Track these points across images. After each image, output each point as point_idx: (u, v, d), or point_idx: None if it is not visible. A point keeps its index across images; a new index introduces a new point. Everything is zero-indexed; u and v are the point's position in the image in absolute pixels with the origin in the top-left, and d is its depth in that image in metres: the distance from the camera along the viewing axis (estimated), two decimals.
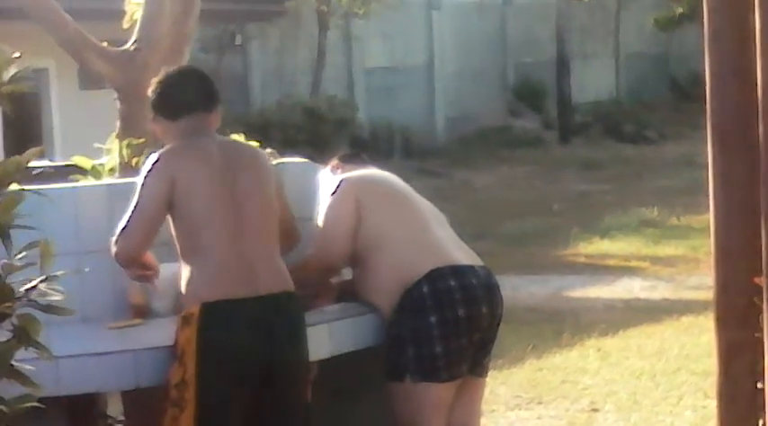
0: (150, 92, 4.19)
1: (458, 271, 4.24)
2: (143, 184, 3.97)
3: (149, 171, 3.98)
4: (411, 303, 4.20)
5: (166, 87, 4.14)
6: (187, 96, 4.11)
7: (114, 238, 3.99)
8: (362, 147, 19.15)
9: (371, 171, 4.59)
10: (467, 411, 4.41)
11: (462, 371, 4.26)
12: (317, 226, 4.40)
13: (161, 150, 4.07)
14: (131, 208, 3.96)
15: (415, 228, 4.38)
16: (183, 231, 3.94)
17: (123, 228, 3.96)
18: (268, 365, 3.86)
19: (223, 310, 3.84)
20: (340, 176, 4.49)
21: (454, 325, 4.19)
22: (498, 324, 4.37)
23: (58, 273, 2.76)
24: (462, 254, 4.36)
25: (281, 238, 4.11)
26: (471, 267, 4.31)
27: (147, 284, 4.20)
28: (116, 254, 3.99)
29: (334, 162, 4.65)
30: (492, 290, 4.33)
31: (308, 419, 4.02)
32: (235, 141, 4.36)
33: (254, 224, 3.96)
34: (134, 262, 4.04)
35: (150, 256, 4.09)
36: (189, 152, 4.02)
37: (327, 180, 4.53)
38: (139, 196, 3.96)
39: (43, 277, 2.72)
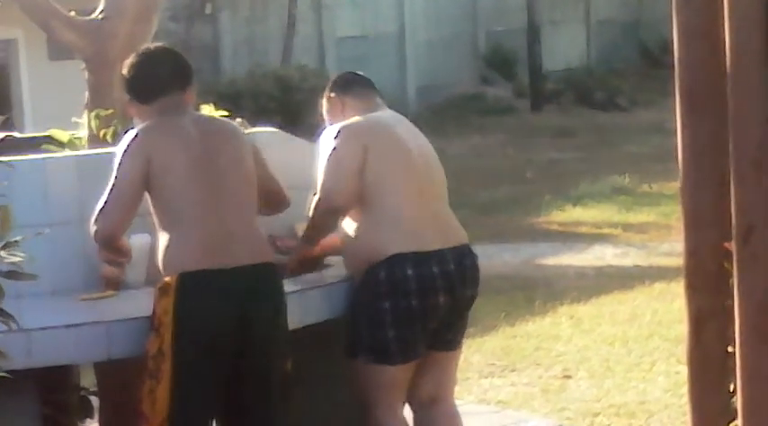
0: (124, 73, 4.17)
1: (419, 259, 4.20)
2: (119, 163, 3.95)
3: (125, 150, 3.97)
4: (368, 284, 4.21)
5: (139, 70, 4.13)
6: (161, 79, 4.09)
7: (93, 218, 3.96)
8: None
9: (379, 115, 4.48)
10: (435, 383, 4.41)
11: (418, 353, 4.28)
12: (323, 168, 4.30)
13: (136, 128, 4.06)
14: (108, 187, 3.94)
15: (402, 196, 4.29)
16: (160, 204, 3.93)
17: (101, 208, 3.93)
18: (244, 336, 3.86)
19: (199, 281, 3.83)
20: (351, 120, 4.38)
21: (407, 313, 4.19)
22: (467, 305, 4.36)
23: (18, 239, 2.74)
24: (434, 235, 4.28)
25: (269, 204, 4.19)
26: (438, 252, 4.24)
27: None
28: (95, 234, 3.97)
29: (330, 94, 4.55)
30: (459, 275, 4.27)
31: (287, 391, 4.01)
32: (209, 116, 4.39)
33: (232, 196, 3.97)
34: (112, 242, 4.02)
35: (125, 241, 4.07)
36: (164, 128, 4.03)
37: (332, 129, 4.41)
38: (116, 175, 3.94)
39: (3, 242, 2.70)
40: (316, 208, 4.31)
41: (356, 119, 4.42)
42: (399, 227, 4.25)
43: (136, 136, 3.99)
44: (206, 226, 3.90)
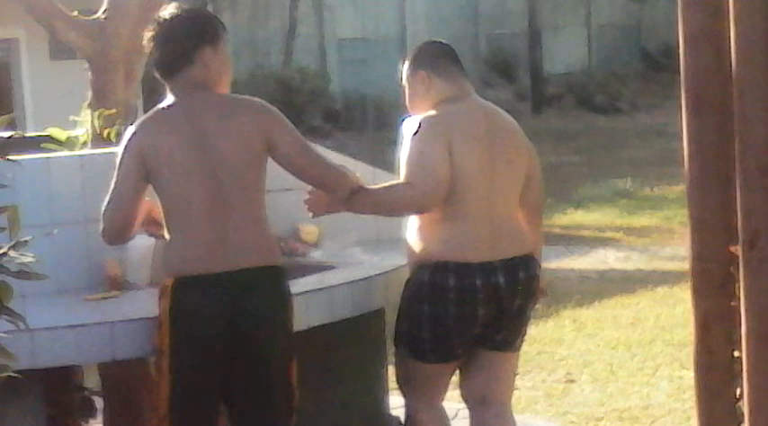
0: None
1: (462, 270, 4.12)
2: (119, 163, 3.90)
3: (123, 148, 3.91)
4: (414, 284, 4.22)
5: (156, 44, 3.97)
6: (170, 54, 3.92)
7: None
8: (336, 117, 19.13)
9: (467, 109, 4.26)
10: (484, 383, 4.35)
11: (456, 355, 4.25)
12: (411, 158, 4.11)
13: (135, 123, 4.01)
14: (111, 187, 3.90)
15: (466, 202, 4.15)
16: (161, 203, 3.89)
17: (105, 209, 3.89)
18: (238, 341, 3.81)
19: (194, 284, 3.79)
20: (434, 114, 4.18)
21: (443, 319, 4.17)
22: (518, 314, 4.25)
23: (27, 239, 2.73)
24: (486, 245, 4.16)
25: (315, 183, 4.03)
26: (486, 263, 4.14)
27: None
28: (102, 233, 3.92)
29: (421, 73, 4.25)
30: (509, 287, 4.17)
31: (291, 401, 3.92)
32: (225, 99, 3.99)
33: (232, 194, 3.85)
34: (119, 241, 3.97)
35: (157, 212, 3.94)
36: (161, 123, 3.91)
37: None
38: (116, 174, 3.90)
39: (12, 242, 2.70)
40: (404, 197, 4.10)
41: (444, 112, 4.20)
42: (457, 235, 4.15)
43: (133, 133, 3.91)
44: (205, 228, 3.82)
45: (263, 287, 3.86)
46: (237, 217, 3.84)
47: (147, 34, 4.01)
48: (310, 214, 4.24)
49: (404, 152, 4.16)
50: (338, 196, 4.10)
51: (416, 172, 4.10)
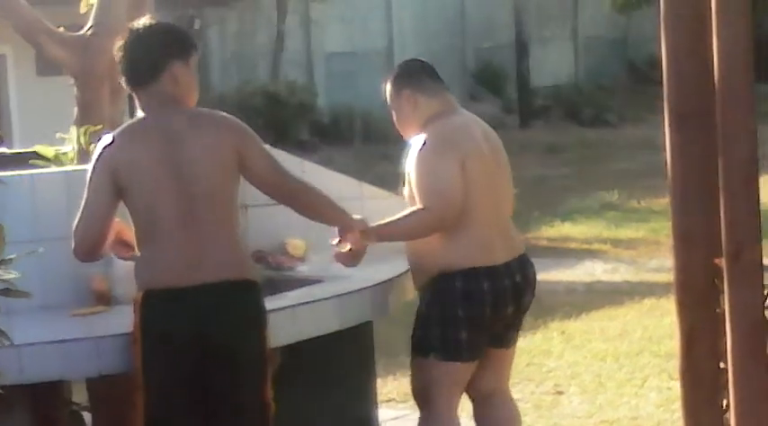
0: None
1: (493, 273, 4.40)
2: (89, 177, 3.88)
3: (93, 163, 3.89)
4: (444, 291, 4.38)
5: (124, 52, 3.94)
6: (138, 63, 3.90)
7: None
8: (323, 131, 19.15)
9: (465, 123, 4.46)
10: (495, 377, 4.66)
11: (482, 352, 4.50)
12: (425, 180, 4.30)
13: (105, 137, 3.96)
14: (82, 203, 3.89)
15: (480, 210, 4.38)
16: (133, 218, 3.88)
17: (76, 226, 3.88)
18: (207, 357, 3.77)
19: (162, 298, 3.78)
20: (440, 131, 4.33)
21: (480, 320, 4.41)
22: (526, 309, 4.60)
23: (12, 257, 2.73)
24: (503, 247, 4.46)
25: (287, 201, 4.03)
26: (507, 264, 4.44)
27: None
28: (73, 251, 3.92)
29: (405, 93, 4.39)
30: (524, 284, 4.50)
31: (265, 417, 3.87)
32: (193, 114, 3.97)
33: (204, 209, 3.81)
34: (90, 257, 3.96)
35: (128, 234, 3.95)
36: (131, 137, 3.87)
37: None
38: (87, 190, 3.88)
39: None
40: (422, 224, 4.32)
41: (449, 127, 4.39)
42: (476, 241, 4.38)
43: (103, 148, 3.87)
44: (175, 243, 3.79)
45: (233, 302, 3.82)
46: (208, 233, 3.81)
47: (117, 43, 3.98)
48: (344, 266, 4.37)
49: (416, 172, 4.34)
50: (357, 239, 4.21)
51: (432, 196, 4.31)
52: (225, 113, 4.01)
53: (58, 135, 5.27)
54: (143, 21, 4.01)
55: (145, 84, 3.90)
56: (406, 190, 4.48)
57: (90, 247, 3.90)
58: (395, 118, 4.51)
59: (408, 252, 4.52)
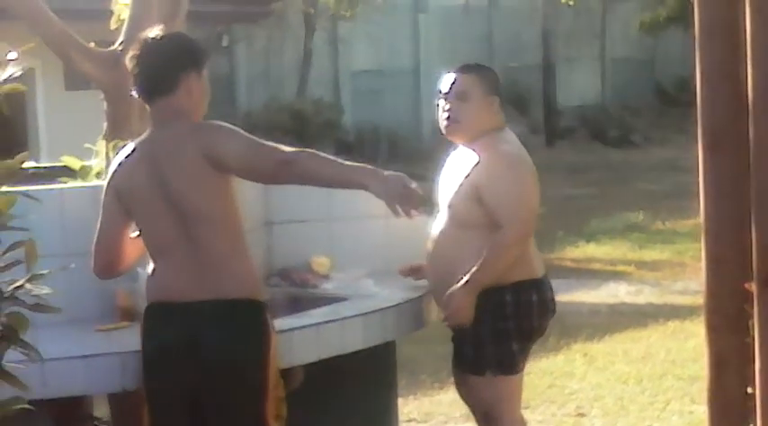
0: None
1: (539, 285, 4.52)
2: (102, 197, 3.93)
3: (106, 183, 3.94)
4: (493, 306, 4.42)
5: (135, 64, 3.88)
6: (147, 78, 3.84)
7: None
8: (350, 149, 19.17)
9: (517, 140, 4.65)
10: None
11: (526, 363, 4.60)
12: (515, 205, 4.40)
13: (115, 159, 3.98)
14: (98, 221, 3.92)
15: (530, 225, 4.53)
16: (141, 237, 3.91)
17: (94, 243, 3.92)
18: (200, 373, 3.73)
19: (159, 312, 3.79)
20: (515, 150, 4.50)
21: (529, 331, 4.52)
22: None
23: (44, 272, 2.74)
24: (540, 261, 4.61)
25: (283, 178, 3.83)
26: (545, 277, 4.59)
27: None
28: (93, 268, 3.95)
29: (496, 99, 4.58)
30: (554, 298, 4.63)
31: None
32: (178, 132, 3.82)
33: (197, 228, 3.75)
34: (110, 274, 3.99)
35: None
36: (128, 161, 3.86)
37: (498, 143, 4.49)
38: (101, 209, 3.92)
39: (29, 276, 2.71)
40: (510, 243, 4.37)
41: (521, 149, 4.59)
42: (522, 254, 4.45)
43: (112, 169, 3.91)
44: (174, 261, 3.78)
45: (229, 319, 3.76)
46: (205, 250, 3.76)
47: (130, 53, 3.93)
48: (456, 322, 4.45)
49: (500, 186, 4.37)
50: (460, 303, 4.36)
51: (528, 215, 4.44)
52: (209, 122, 3.87)
53: (85, 145, 5.29)
54: (154, 32, 3.94)
55: (159, 96, 3.84)
56: (451, 199, 4.46)
57: (106, 265, 3.94)
58: (461, 115, 4.51)
59: (441, 273, 4.45)
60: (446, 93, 4.54)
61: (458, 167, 4.49)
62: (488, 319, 4.41)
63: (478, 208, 4.37)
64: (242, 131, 3.83)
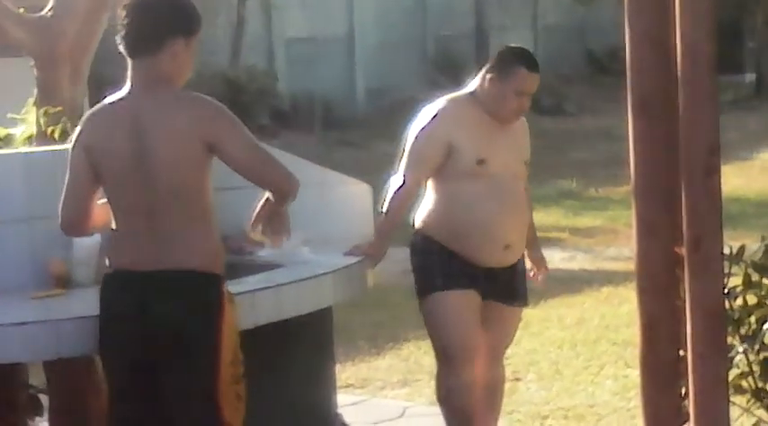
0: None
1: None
2: (69, 156, 3.84)
3: (73, 142, 3.87)
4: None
5: (124, 20, 3.77)
6: (130, 35, 3.75)
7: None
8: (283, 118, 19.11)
9: None
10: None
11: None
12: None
13: (84, 116, 3.93)
14: (65, 181, 3.86)
15: None
16: (106, 198, 3.86)
17: (62, 200, 3.86)
18: (151, 344, 3.71)
19: (116, 280, 3.78)
20: None
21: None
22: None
23: None
24: None
25: (267, 185, 3.86)
26: None
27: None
28: (59, 225, 3.89)
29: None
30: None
31: (214, 411, 3.74)
32: (170, 97, 3.81)
33: (165, 197, 3.72)
34: (76, 232, 3.95)
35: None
36: (105, 119, 3.79)
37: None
38: (68, 168, 3.85)
39: None
40: None
41: None
42: None
43: (80, 127, 3.84)
44: (136, 226, 3.74)
45: (181, 291, 3.74)
46: (169, 220, 3.74)
47: (124, 2, 3.79)
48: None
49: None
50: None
51: None
52: (206, 97, 3.86)
53: (8, 115, 5.24)
54: None
55: (143, 55, 3.75)
56: (523, 161, 5.30)
57: (73, 224, 3.89)
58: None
59: (523, 225, 5.27)
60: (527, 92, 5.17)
61: (504, 136, 5.15)
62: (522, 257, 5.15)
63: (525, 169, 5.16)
64: (240, 123, 3.82)
